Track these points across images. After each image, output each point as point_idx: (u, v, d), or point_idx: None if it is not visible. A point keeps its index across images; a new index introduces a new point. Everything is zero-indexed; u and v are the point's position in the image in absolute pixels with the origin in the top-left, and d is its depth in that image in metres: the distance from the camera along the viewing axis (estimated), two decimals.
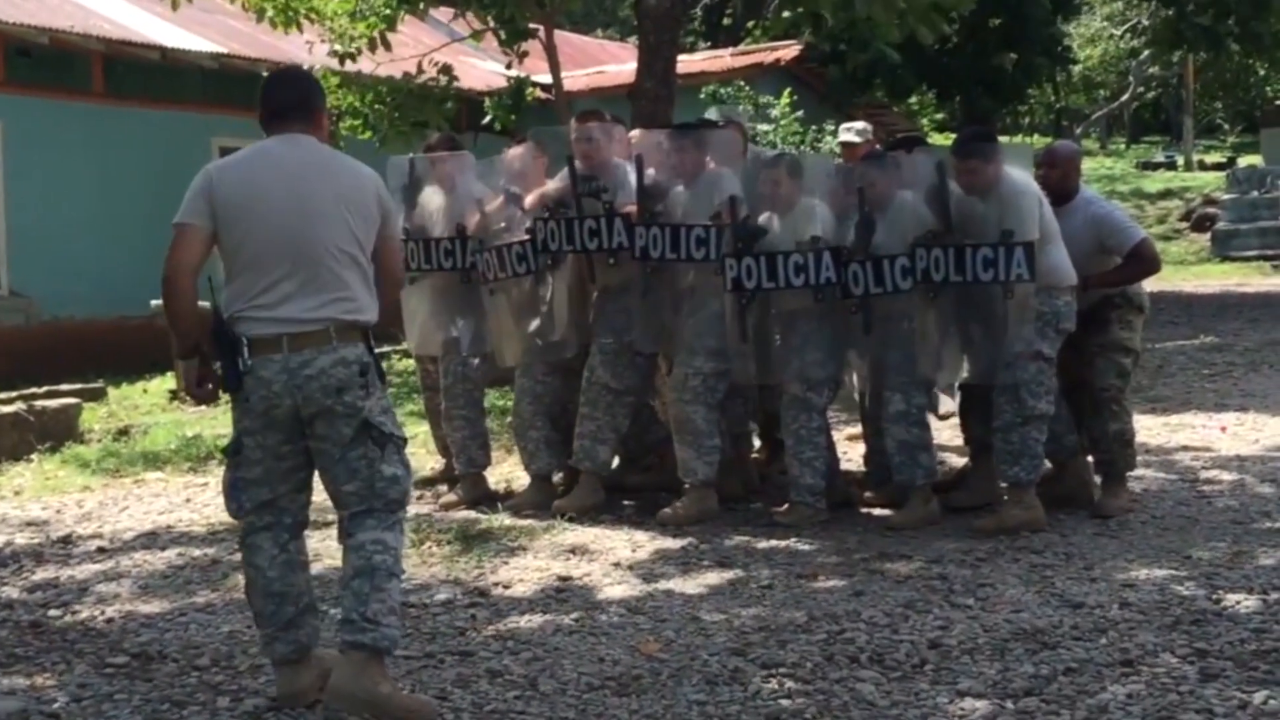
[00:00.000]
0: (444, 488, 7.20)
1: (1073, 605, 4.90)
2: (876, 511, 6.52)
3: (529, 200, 6.69)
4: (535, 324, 6.79)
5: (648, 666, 4.39)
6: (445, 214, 6.87)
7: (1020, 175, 6.03)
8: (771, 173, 6.42)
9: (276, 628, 4.10)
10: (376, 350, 4.12)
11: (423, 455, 7.77)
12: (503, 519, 6.44)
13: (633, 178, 6.41)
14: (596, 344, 6.57)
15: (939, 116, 26.56)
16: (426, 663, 4.50)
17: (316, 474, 4.12)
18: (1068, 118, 41.94)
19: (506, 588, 5.39)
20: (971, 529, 6.03)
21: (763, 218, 6.34)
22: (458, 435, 6.98)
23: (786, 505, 6.42)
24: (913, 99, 21.85)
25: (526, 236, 6.62)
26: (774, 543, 5.97)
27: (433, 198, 6.98)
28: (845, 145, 8.16)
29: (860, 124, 8.46)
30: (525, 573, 5.59)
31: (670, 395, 6.55)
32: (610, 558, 5.80)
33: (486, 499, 6.92)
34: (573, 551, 5.90)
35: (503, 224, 6.79)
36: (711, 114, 7.04)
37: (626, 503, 6.80)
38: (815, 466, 6.33)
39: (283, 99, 4.16)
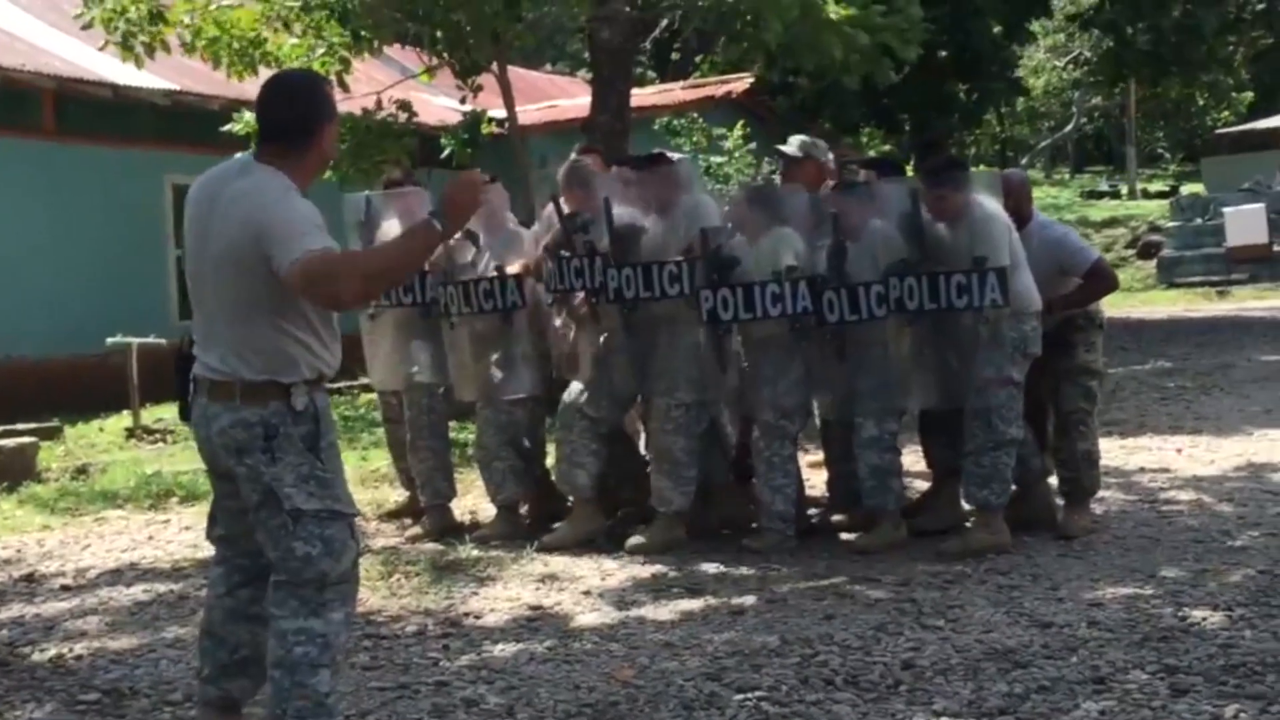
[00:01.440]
0: (409, 520, 7.19)
1: (1042, 625, 4.95)
2: (844, 536, 6.55)
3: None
4: (495, 359, 6.81)
5: (624, 693, 4.39)
6: None
7: (989, 202, 6.12)
8: (744, 201, 6.49)
9: (208, 667, 3.90)
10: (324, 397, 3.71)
11: (385, 490, 7.76)
12: (471, 550, 6.44)
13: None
14: (575, 381, 6.60)
15: (885, 149, 26.81)
16: (401, 694, 4.48)
17: None
18: (1013, 148, 42.48)
19: (478, 618, 5.39)
20: (938, 552, 6.08)
21: (736, 244, 6.38)
22: (423, 467, 6.97)
23: (756, 531, 6.44)
24: (862, 133, 22.05)
25: (494, 274, 6.66)
26: (744, 569, 6.00)
27: (391, 233, 6.99)
28: (785, 159, 7.87)
29: (800, 138, 8.38)
30: (496, 602, 5.58)
31: (651, 425, 6.56)
32: (581, 586, 5.81)
33: (452, 530, 6.91)
34: (543, 581, 5.90)
35: (467, 259, 6.82)
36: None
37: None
38: (786, 494, 6.37)
39: (264, 116, 3.75)
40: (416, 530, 6.92)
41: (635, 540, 6.37)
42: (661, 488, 6.44)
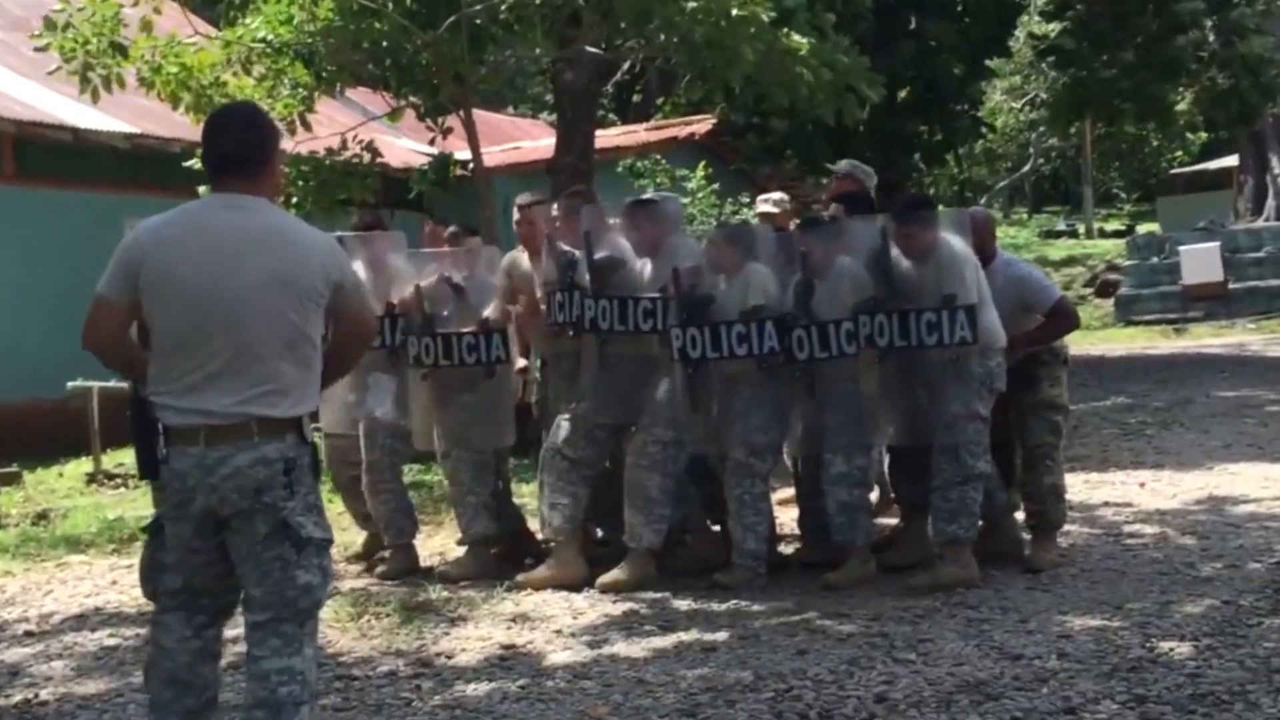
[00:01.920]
0: (376, 561, 7.15)
1: (1012, 657, 4.98)
2: (814, 573, 6.56)
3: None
4: (472, 408, 6.81)
5: None
6: (374, 293, 6.87)
7: (956, 241, 6.18)
8: (720, 240, 6.55)
9: (172, 716, 3.76)
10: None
11: (352, 533, 7.71)
12: (442, 590, 6.40)
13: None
14: (556, 417, 6.59)
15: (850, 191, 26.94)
16: None
17: None
18: (971, 189, 42.86)
19: (450, 657, 5.36)
20: (908, 586, 6.10)
21: (711, 284, 6.41)
22: (384, 509, 6.94)
23: (727, 568, 6.42)
24: (825, 174, 22.20)
25: (476, 327, 6.70)
26: (716, 605, 6.00)
27: (360, 275, 6.98)
28: (763, 216, 8.29)
29: (777, 195, 8.62)
30: (468, 642, 5.56)
31: (628, 461, 6.55)
32: (552, 625, 5.79)
33: (419, 570, 6.88)
34: (514, 620, 5.88)
35: (445, 311, 6.84)
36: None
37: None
38: (758, 531, 6.38)
39: (225, 149, 3.68)
40: (383, 569, 6.89)
41: (607, 577, 6.36)
42: (634, 524, 6.43)
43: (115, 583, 7.12)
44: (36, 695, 5.07)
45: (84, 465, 11.26)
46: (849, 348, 6.17)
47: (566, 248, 6.58)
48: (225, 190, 3.67)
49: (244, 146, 3.69)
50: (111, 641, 5.83)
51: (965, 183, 42.46)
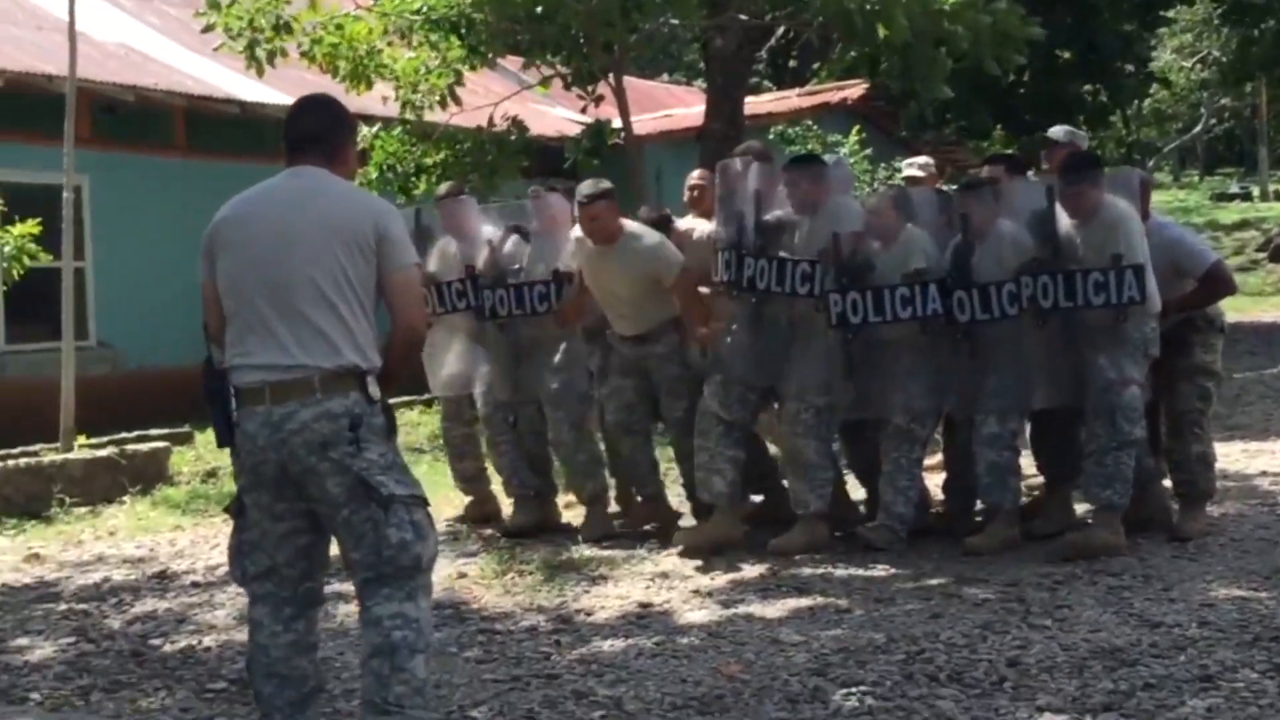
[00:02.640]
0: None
1: (1151, 624, 4.93)
2: (954, 539, 6.53)
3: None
4: (551, 362, 6.92)
5: (729, 687, 4.47)
6: (458, 258, 7.06)
7: (1122, 201, 6.09)
8: (876, 204, 6.53)
9: (276, 710, 3.81)
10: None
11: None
12: (584, 550, 6.55)
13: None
14: (708, 376, 6.66)
15: (1006, 152, 26.46)
16: (514, 685, 4.61)
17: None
18: (1139, 151, 41.69)
19: (589, 614, 5.50)
20: (1055, 549, 6.03)
21: (870, 249, 6.39)
22: (504, 460, 7.11)
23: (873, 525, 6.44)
24: (988, 136, 21.80)
25: (549, 276, 6.82)
26: (852, 570, 6.04)
27: (446, 245, 7.18)
28: (909, 180, 8.24)
29: (923, 159, 8.55)
30: (607, 600, 5.70)
31: (783, 428, 6.60)
32: (690, 585, 5.89)
33: (542, 523, 7.03)
34: (653, 580, 6.00)
35: (516, 264, 6.98)
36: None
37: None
38: (909, 496, 6.37)
39: (298, 130, 3.83)
40: (506, 524, 7.06)
41: (778, 541, 6.39)
42: (798, 490, 6.46)
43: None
44: (200, 641, 5.35)
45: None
46: (1011, 309, 6.11)
47: (739, 209, 6.62)
48: (295, 166, 3.80)
49: (316, 128, 3.82)
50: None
51: (1133, 145, 41.30)
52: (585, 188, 6.55)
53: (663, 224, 7.00)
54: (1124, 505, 6.09)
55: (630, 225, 6.65)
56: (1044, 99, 17.74)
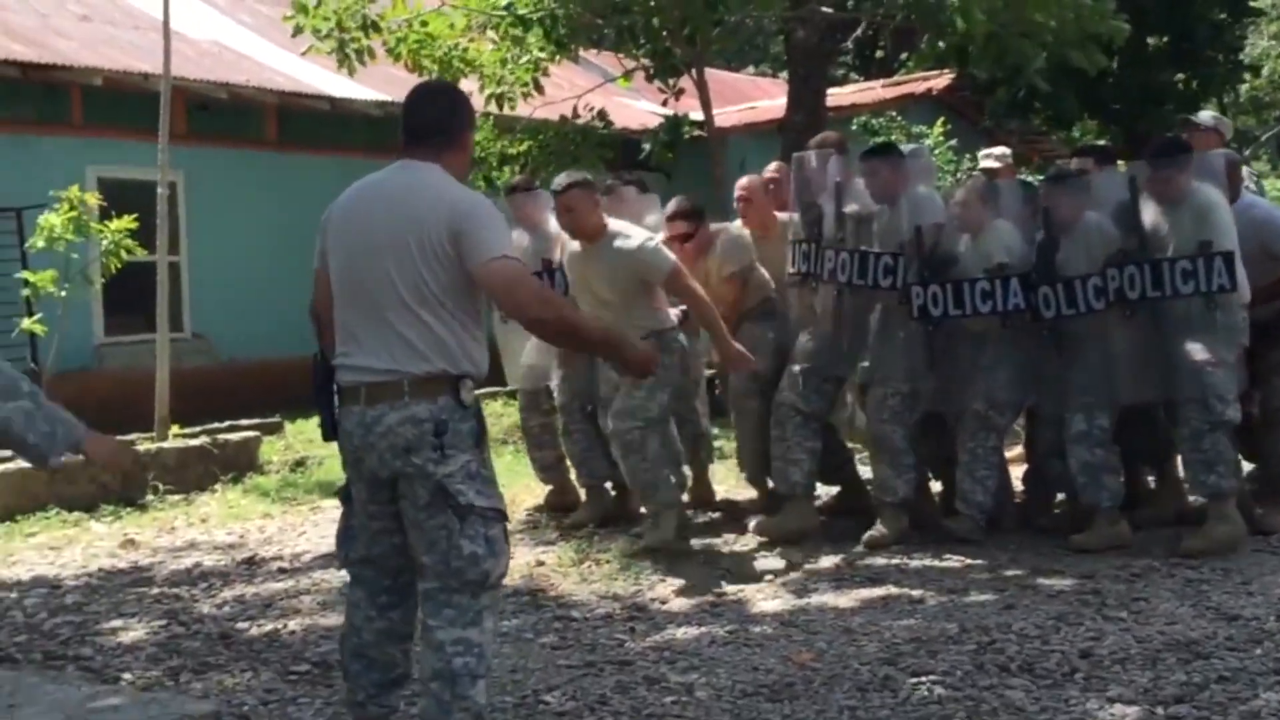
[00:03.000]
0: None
1: (1228, 618, 4.90)
2: (1031, 531, 6.52)
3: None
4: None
5: (800, 675, 4.52)
6: (532, 252, 7.07)
7: (1210, 186, 6.02)
8: (964, 196, 6.49)
9: (363, 690, 3.86)
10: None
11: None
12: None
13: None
14: (787, 367, 6.68)
15: (1098, 143, 26.10)
16: (587, 671, 4.69)
17: None
18: (1237, 139, 40.83)
19: (663, 603, 5.57)
20: (1179, 551, 5.91)
21: (952, 242, 6.38)
22: (576, 449, 7.13)
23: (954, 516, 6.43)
24: (1074, 128, 21.55)
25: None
26: (926, 560, 6.05)
27: (520, 239, 7.14)
28: (985, 171, 8.19)
29: (1000, 149, 8.49)
30: (682, 589, 5.75)
31: (869, 416, 6.60)
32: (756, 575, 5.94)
33: (609, 514, 7.06)
34: (727, 570, 6.05)
35: None
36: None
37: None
38: (986, 485, 6.32)
39: (413, 120, 3.74)
40: (580, 515, 7.09)
41: (870, 534, 6.38)
42: (884, 477, 6.46)
43: None
44: (285, 625, 5.50)
45: None
46: (1097, 303, 6.04)
47: (814, 200, 6.64)
48: (405, 158, 3.71)
49: (431, 118, 3.72)
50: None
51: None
52: (560, 178, 6.33)
53: (695, 215, 6.88)
54: (1233, 489, 5.97)
55: (616, 224, 6.26)
56: (1133, 88, 17.50)
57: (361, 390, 3.58)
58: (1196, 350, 5.92)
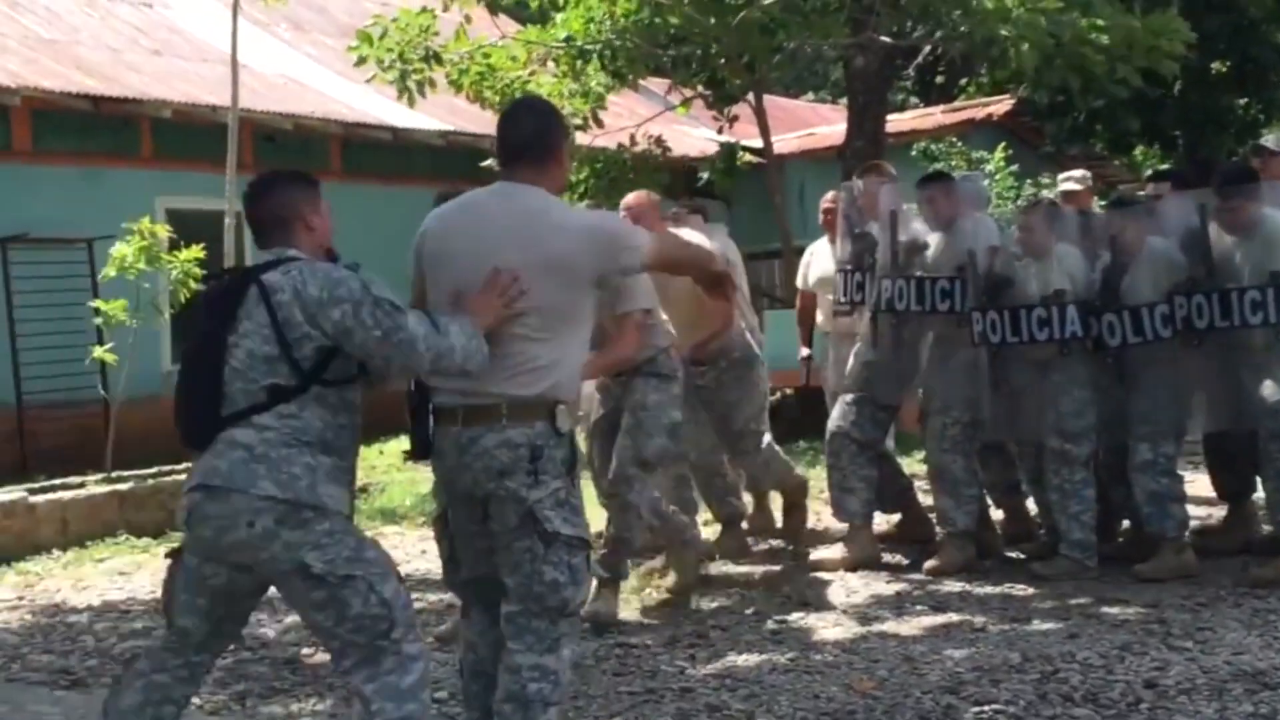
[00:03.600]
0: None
1: None
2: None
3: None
4: None
5: (862, 703, 4.52)
6: None
7: None
8: (1027, 219, 6.44)
9: (479, 712, 3.81)
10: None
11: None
12: (722, 566, 6.63)
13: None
14: (840, 397, 6.69)
15: (1163, 168, 25.87)
16: (648, 698, 4.71)
17: None
18: None
19: (725, 630, 5.58)
20: (1247, 580, 5.85)
21: (1008, 265, 6.35)
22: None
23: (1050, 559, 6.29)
24: (1136, 151, 21.39)
25: None
26: (989, 588, 6.02)
27: None
28: (1065, 194, 8.10)
29: (1079, 172, 8.42)
30: (743, 617, 5.76)
31: (928, 445, 6.60)
32: (826, 603, 5.94)
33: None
34: (789, 597, 6.05)
35: None
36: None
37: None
38: (1082, 520, 6.15)
39: (512, 139, 3.72)
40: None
41: (932, 563, 6.37)
42: (945, 507, 6.45)
43: (425, 552, 7.64)
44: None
45: (401, 443, 11.96)
46: (1164, 331, 5.96)
47: (864, 229, 6.67)
48: (507, 179, 3.70)
49: (531, 135, 3.69)
50: (417, 605, 6.24)
51: None
52: (629, 197, 6.23)
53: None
54: None
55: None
56: (1195, 112, 17.33)
57: (459, 411, 3.57)
58: (1275, 388, 5.84)
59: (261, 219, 3.74)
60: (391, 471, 11.02)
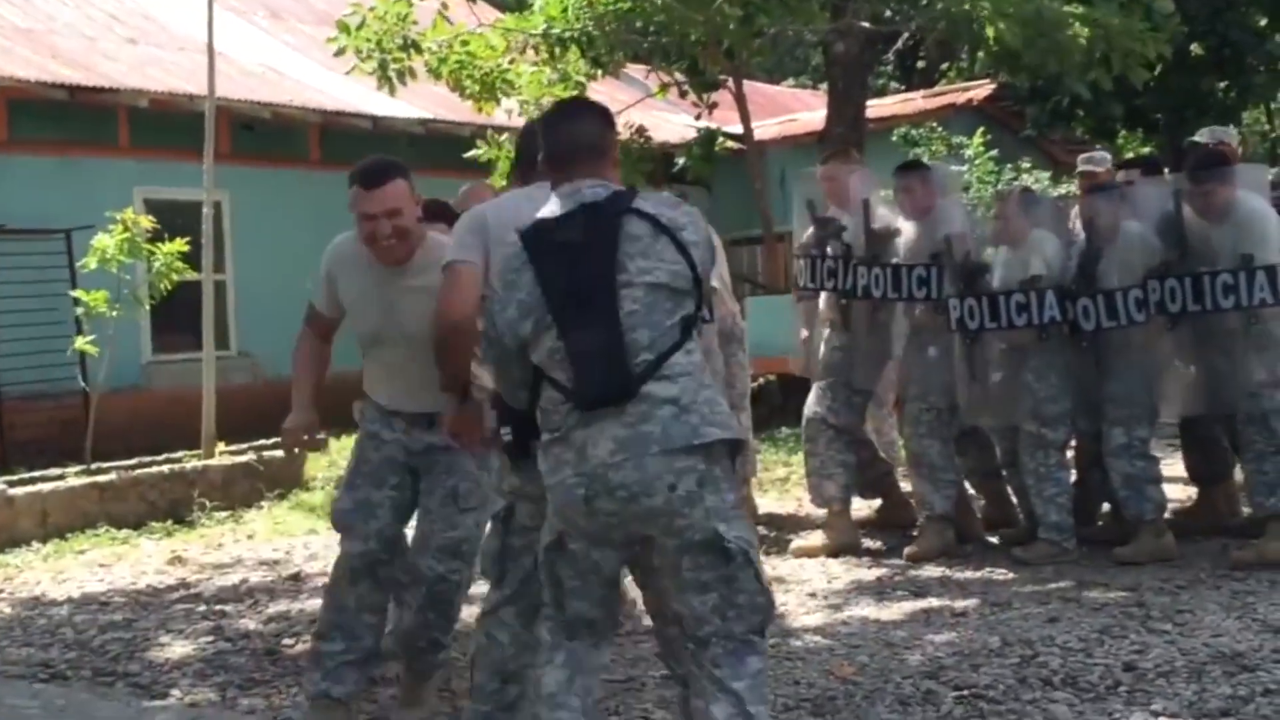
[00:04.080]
0: None
1: (1275, 630, 4.87)
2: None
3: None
4: None
5: (842, 689, 4.52)
6: None
7: (1255, 197, 5.98)
8: (1003, 206, 6.48)
9: (497, 707, 3.72)
10: None
11: None
12: None
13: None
14: (815, 383, 6.70)
15: (1130, 156, 25.93)
16: (629, 686, 4.71)
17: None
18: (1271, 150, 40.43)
19: None
20: (1231, 560, 5.88)
21: (992, 251, 6.37)
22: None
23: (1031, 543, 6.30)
24: (1119, 136, 21.42)
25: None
26: (969, 573, 6.04)
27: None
28: (1085, 175, 7.98)
29: (1099, 154, 8.33)
30: None
31: (905, 431, 6.62)
32: (805, 588, 5.95)
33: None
34: (769, 584, 6.04)
35: None
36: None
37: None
38: (1059, 503, 6.18)
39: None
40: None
41: (912, 549, 6.39)
42: (923, 492, 6.47)
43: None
44: None
45: None
46: (1138, 315, 5.99)
47: (830, 214, 6.67)
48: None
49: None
50: None
51: (1278, 141, 40.05)
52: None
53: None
54: None
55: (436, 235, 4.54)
56: (1176, 96, 17.34)
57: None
58: (1254, 370, 5.87)
59: (577, 144, 3.41)
60: None
